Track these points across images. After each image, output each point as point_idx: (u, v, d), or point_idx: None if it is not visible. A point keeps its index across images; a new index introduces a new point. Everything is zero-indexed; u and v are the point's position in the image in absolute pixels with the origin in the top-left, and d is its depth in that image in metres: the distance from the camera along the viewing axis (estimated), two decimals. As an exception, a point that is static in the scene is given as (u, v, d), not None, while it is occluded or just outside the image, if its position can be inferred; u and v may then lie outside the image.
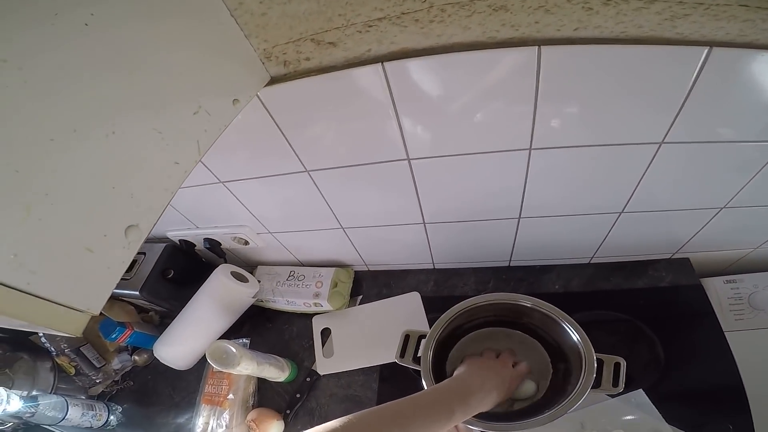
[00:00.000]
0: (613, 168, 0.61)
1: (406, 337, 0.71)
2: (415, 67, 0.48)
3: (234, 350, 0.72)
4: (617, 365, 0.59)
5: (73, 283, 0.30)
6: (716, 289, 0.82)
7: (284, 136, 0.59)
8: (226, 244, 0.88)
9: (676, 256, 0.85)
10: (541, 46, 0.45)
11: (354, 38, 0.47)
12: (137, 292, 0.85)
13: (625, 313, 0.80)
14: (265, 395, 0.85)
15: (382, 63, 0.48)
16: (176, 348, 0.86)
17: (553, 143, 0.56)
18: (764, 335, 0.77)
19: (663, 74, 0.46)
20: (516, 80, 0.48)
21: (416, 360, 0.68)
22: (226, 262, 0.90)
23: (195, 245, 0.91)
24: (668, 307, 0.80)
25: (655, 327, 0.78)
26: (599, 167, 0.60)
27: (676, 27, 0.42)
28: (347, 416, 0.46)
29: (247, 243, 0.86)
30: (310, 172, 0.66)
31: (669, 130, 0.53)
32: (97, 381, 0.94)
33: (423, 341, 0.69)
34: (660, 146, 0.55)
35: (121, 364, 0.98)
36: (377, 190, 0.69)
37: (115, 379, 0.97)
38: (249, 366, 0.73)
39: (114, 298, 0.95)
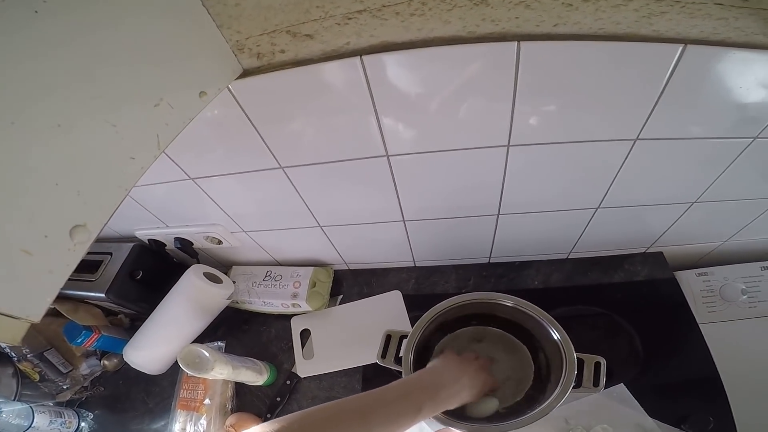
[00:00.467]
0: (589, 164, 0.61)
1: (388, 338, 0.70)
2: (394, 61, 0.47)
3: (207, 354, 0.69)
4: (597, 364, 0.59)
5: (8, 289, 0.28)
6: (689, 282, 0.84)
7: (257, 131, 0.56)
8: (199, 243, 0.84)
9: (650, 250, 0.87)
10: (521, 42, 0.44)
11: (332, 31, 0.45)
12: (103, 295, 0.81)
13: (603, 308, 0.82)
14: (243, 399, 0.83)
15: (361, 56, 0.46)
16: (147, 352, 0.83)
17: (530, 140, 0.56)
18: (735, 326, 0.80)
19: (638, 71, 0.47)
20: (495, 75, 0.47)
21: (398, 360, 0.67)
22: (198, 263, 0.87)
23: (165, 245, 0.87)
24: (645, 300, 0.82)
25: (633, 321, 0.79)
26: (576, 163, 0.61)
27: (653, 24, 0.43)
28: (311, 408, 0.44)
29: (220, 242, 0.83)
30: (285, 169, 0.63)
31: (643, 126, 0.53)
32: (65, 387, 0.89)
33: (404, 341, 0.68)
34: (634, 143, 0.56)
35: (90, 369, 0.93)
36: (356, 188, 0.67)
37: (84, 384, 0.92)
38: (223, 370, 0.70)
39: (79, 301, 0.90)
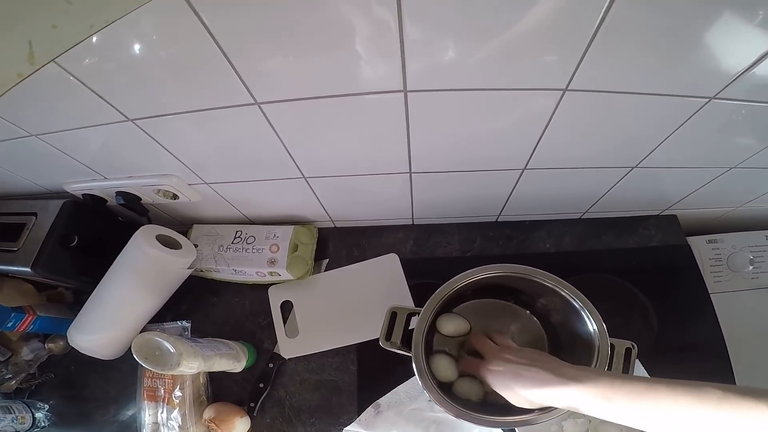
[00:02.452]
0: (641, 121, 0.50)
1: (393, 315, 0.58)
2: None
3: (170, 347, 0.55)
4: (628, 351, 0.53)
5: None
6: (700, 249, 0.80)
7: (224, 54, 0.39)
8: (149, 198, 0.66)
9: (665, 212, 0.81)
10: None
11: None
12: (29, 269, 0.63)
13: (618, 276, 0.76)
14: (220, 386, 0.71)
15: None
16: (96, 336, 0.68)
17: (591, 86, 0.43)
18: (741, 297, 0.78)
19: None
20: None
21: (405, 342, 0.57)
22: (149, 222, 0.70)
23: (106, 200, 0.69)
24: (659, 268, 0.77)
25: (647, 291, 0.75)
26: (625, 117, 0.50)
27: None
28: None
29: (176, 197, 0.66)
30: (262, 106, 0.47)
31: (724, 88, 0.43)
32: (7, 376, 0.75)
33: (415, 320, 0.57)
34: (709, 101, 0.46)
35: (34, 353, 0.77)
36: (357, 131, 0.52)
37: (31, 372, 0.77)
38: (193, 364, 0.57)
39: (3, 275, 0.71)
